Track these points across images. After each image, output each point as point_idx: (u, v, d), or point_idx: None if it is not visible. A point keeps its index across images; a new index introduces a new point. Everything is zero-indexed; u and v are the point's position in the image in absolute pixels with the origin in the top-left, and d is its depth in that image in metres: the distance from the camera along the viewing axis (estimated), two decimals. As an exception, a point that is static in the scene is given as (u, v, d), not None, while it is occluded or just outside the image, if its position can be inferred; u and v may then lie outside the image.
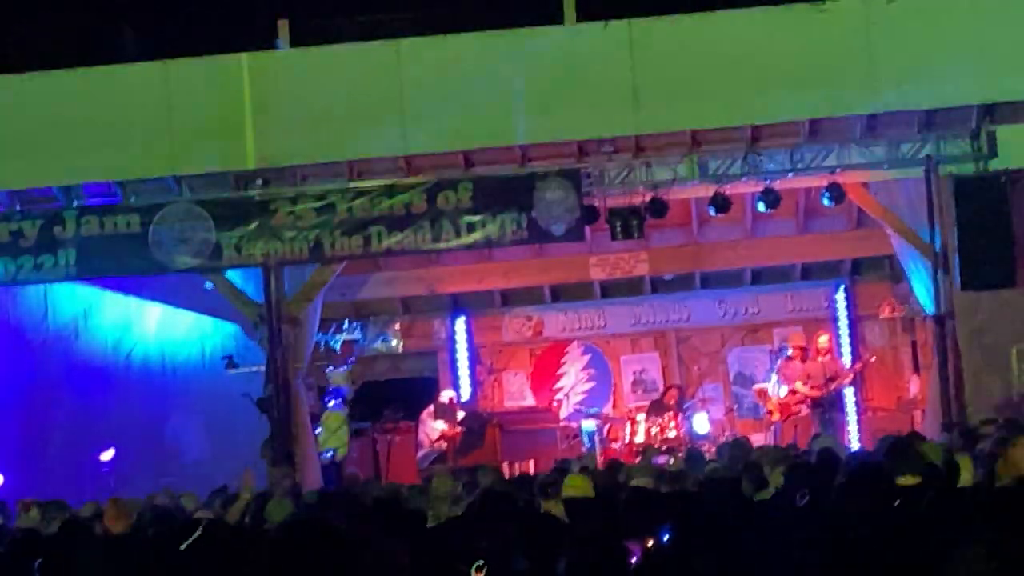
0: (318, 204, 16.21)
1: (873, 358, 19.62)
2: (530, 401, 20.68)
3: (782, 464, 9.86)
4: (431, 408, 18.77)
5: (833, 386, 18.74)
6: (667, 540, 7.20)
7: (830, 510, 8.14)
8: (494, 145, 16.20)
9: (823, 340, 19.14)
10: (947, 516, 7.49)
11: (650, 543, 7.04)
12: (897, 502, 7.68)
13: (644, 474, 10.93)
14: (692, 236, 20.06)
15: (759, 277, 20.67)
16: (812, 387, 18.68)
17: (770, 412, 19.10)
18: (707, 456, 14.87)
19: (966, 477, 9.05)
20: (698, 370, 20.39)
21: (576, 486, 9.47)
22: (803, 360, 19.16)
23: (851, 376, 19.39)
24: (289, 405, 16.36)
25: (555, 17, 15.94)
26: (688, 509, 8.16)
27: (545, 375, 20.92)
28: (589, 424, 19.29)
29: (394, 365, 21.01)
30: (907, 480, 7.98)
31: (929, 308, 16.68)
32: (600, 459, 18.19)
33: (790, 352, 19.31)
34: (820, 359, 18.99)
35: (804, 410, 18.68)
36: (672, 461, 13.65)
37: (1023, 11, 15.45)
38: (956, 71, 15.41)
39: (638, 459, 16.37)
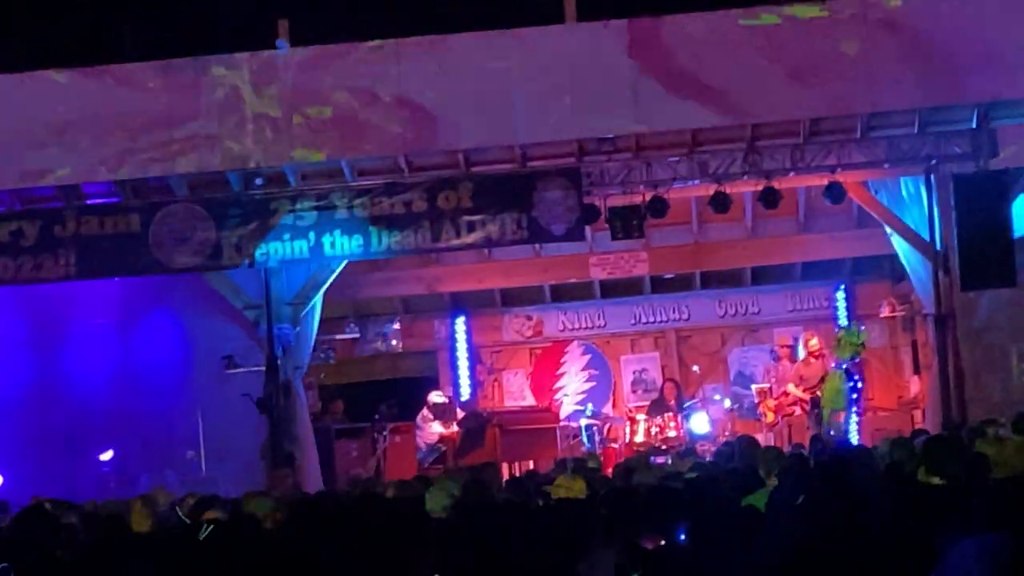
0: (318, 204, 16.22)
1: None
2: (530, 401, 20.67)
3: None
4: (425, 411, 18.73)
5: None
6: (683, 539, 7.17)
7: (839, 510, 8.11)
8: (494, 145, 16.20)
9: (814, 342, 19.09)
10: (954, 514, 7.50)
11: (663, 542, 7.03)
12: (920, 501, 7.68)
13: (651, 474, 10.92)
14: (692, 235, 20.05)
15: (759, 277, 20.66)
16: (805, 389, 18.67)
17: (764, 413, 19.13)
18: (707, 456, 14.86)
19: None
20: (698, 370, 20.36)
21: (567, 486, 9.42)
22: (791, 360, 19.22)
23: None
24: (289, 405, 16.36)
25: (555, 17, 15.93)
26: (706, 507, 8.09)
27: (545, 375, 20.92)
28: (584, 421, 19.27)
29: (394, 365, 21.01)
30: (935, 480, 7.99)
31: (929, 308, 16.69)
32: (600, 459, 18.21)
33: (779, 353, 19.44)
34: (813, 360, 18.96)
35: (798, 411, 18.69)
36: (670, 461, 13.63)
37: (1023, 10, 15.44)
38: (956, 71, 15.39)
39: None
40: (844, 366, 18.35)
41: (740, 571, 6.28)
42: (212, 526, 8.36)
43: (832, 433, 17.54)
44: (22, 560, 7.58)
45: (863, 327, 18.57)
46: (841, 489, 7.62)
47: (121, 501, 11.24)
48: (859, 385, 18.34)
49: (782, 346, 19.68)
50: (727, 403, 19.97)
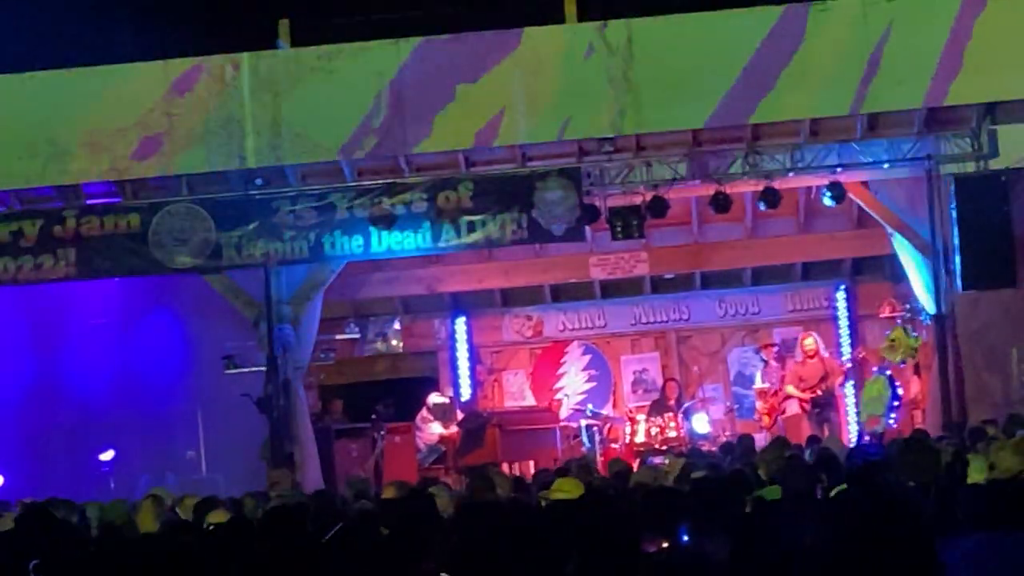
0: (318, 204, 16.23)
1: (863, 354, 19.59)
2: (530, 401, 20.65)
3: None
4: (424, 412, 18.71)
5: (826, 384, 18.72)
6: (686, 540, 7.16)
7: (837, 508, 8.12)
8: (494, 145, 16.21)
9: (809, 342, 19.06)
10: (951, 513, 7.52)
11: (665, 544, 7.01)
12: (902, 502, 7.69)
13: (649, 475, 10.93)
14: (692, 236, 20.05)
15: (759, 277, 20.64)
16: (804, 389, 18.67)
17: (760, 417, 19.12)
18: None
19: (977, 476, 9.13)
20: (698, 370, 20.36)
21: (565, 489, 9.40)
22: (778, 359, 19.25)
23: (844, 373, 19.37)
24: (289, 405, 16.36)
25: (555, 17, 15.93)
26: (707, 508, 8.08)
27: (545, 375, 20.90)
28: (584, 422, 19.27)
29: (394, 365, 20.99)
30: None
31: (929, 308, 16.69)
32: (600, 459, 18.21)
33: (764, 355, 19.46)
34: (810, 361, 18.97)
35: (792, 408, 18.70)
36: (668, 462, 13.61)
37: (1023, 10, 15.44)
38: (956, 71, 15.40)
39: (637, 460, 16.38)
40: (888, 372, 18.26)
41: (744, 572, 6.28)
42: (214, 526, 8.38)
43: (867, 438, 17.49)
44: (27, 559, 7.62)
45: (916, 332, 18.32)
46: (873, 491, 7.65)
47: (125, 502, 11.25)
48: (899, 392, 18.21)
49: (765, 346, 19.69)
50: (726, 403, 20.01)
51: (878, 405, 18.07)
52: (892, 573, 5.71)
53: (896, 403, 18.15)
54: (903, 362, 18.27)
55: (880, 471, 9.22)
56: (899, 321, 18.34)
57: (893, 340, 18.21)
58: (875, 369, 18.58)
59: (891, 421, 18.02)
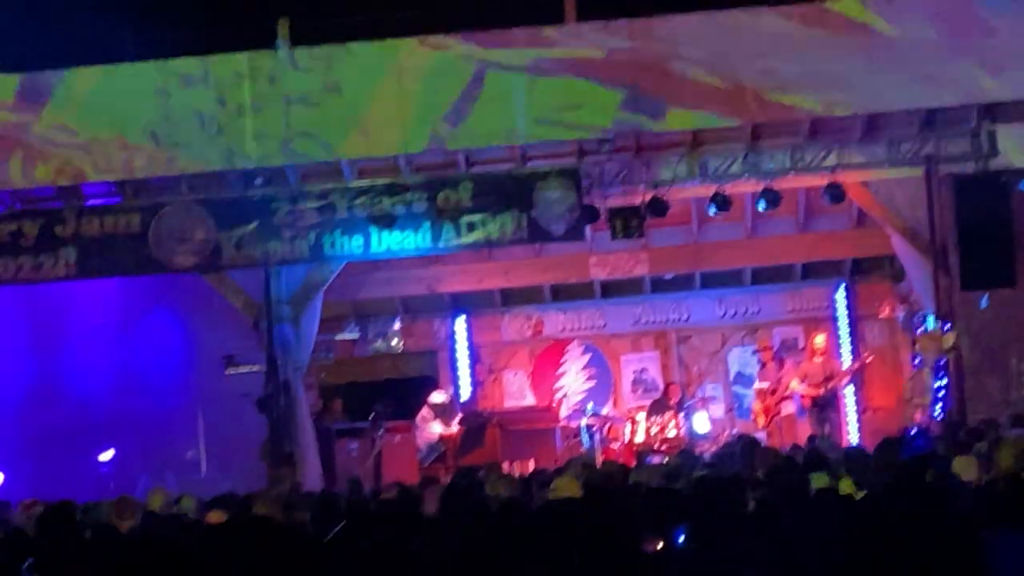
0: (318, 204, 16.23)
1: (870, 358, 19.57)
2: (530, 401, 20.67)
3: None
4: (425, 411, 18.72)
5: (830, 385, 18.73)
6: (682, 541, 7.17)
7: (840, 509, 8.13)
8: (494, 145, 16.21)
9: (819, 340, 19.11)
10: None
11: (660, 544, 7.01)
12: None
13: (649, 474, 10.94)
14: (692, 236, 20.05)
15: (759, 277, 20.65)
16: (810, 385, 18.68)
17: (755, 418, 19.12)
18: (705, 456, 14.88)
19: (971, 476, 9.14)
20: (698, 370, 20.37)
21: (565, 488, 9.40)
22: (775, 359, 19.25)
23: (848, 375, 19.38)
24: (289, 405, 16.36)
25: (555, 17, 15.93)
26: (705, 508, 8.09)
27: (545, 375, 20.92)
28: (584, 421, 19.27)
29: (394, 365, 21.00)
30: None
31: (929, 308, 16.69)
32: (600, 459, 18.22)
33: (760, 357, 19.44)
34: (816, 359, 18.98)
35: (789, 408, 18.70)
36: (667, 461, 13.62)
37: (1022, 10, 15.45)
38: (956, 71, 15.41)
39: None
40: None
41: (742, 572, 6.29)
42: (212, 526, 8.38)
43: (912, 432, 17.40)
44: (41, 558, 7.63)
45: (947, 327, 18.05)
46: (923, 486, 7.65)
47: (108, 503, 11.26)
48: (946, 382, 18.03)
49: (763, 348, 19.69)
50: (723, 404, 20.02)
51: (924, 396, 17.98)
52: (938, 568, 5.71)
53: (942, 393, 18.05)
54: (943, 358, 18.09)
55: (929, 465, 9.22)
56: (927, 320, 18.26)
57: (923, 343, 18.08)
58: (916, 361, 18.47)
59: (936, 413, 17.94)
